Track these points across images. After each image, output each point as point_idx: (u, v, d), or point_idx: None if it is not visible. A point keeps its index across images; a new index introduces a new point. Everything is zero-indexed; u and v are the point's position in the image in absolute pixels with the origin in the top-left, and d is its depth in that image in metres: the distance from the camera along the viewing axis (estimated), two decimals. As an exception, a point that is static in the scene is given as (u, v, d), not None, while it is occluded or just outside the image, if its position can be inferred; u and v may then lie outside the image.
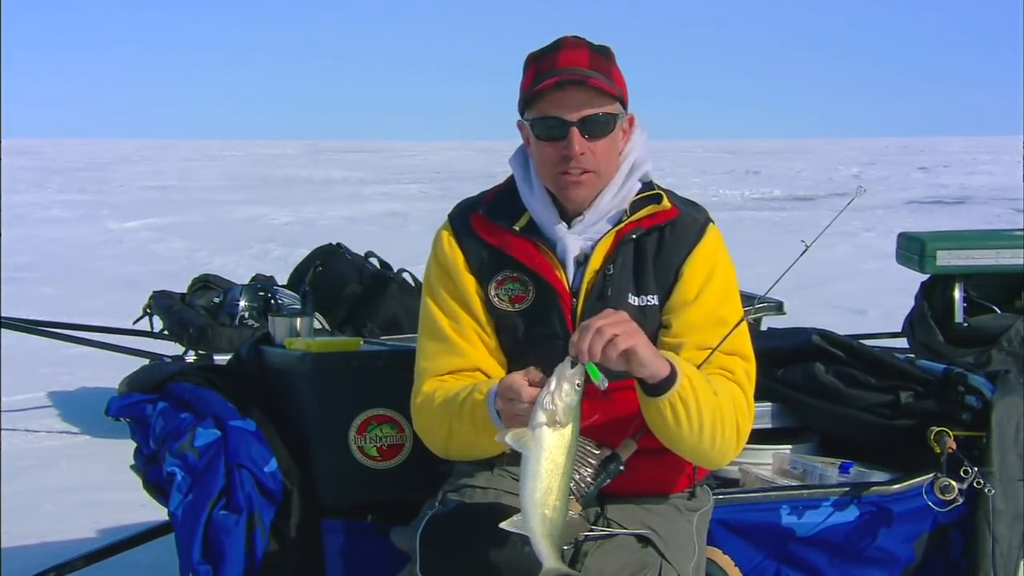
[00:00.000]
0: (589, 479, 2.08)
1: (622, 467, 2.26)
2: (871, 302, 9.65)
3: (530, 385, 2.05)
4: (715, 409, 2.20)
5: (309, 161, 40.43)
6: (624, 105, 2.36)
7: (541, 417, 1.98)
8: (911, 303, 5.16)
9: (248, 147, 55.50)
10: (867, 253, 12.77)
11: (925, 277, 5.12)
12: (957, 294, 4.93)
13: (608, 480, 2.25)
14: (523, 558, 2.07)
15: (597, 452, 2.08)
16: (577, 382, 1.99)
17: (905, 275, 5.33)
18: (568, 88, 2.28)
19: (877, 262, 11.42)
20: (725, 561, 2.64)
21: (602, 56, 2.34)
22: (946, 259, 4.94)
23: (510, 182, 2.45)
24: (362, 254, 6.52)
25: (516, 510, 2.16)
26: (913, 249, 5.05)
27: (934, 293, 5.02)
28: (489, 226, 2.40)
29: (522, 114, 2.38)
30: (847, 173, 31.64)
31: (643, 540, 2.29)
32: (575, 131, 2.28)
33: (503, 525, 2.00)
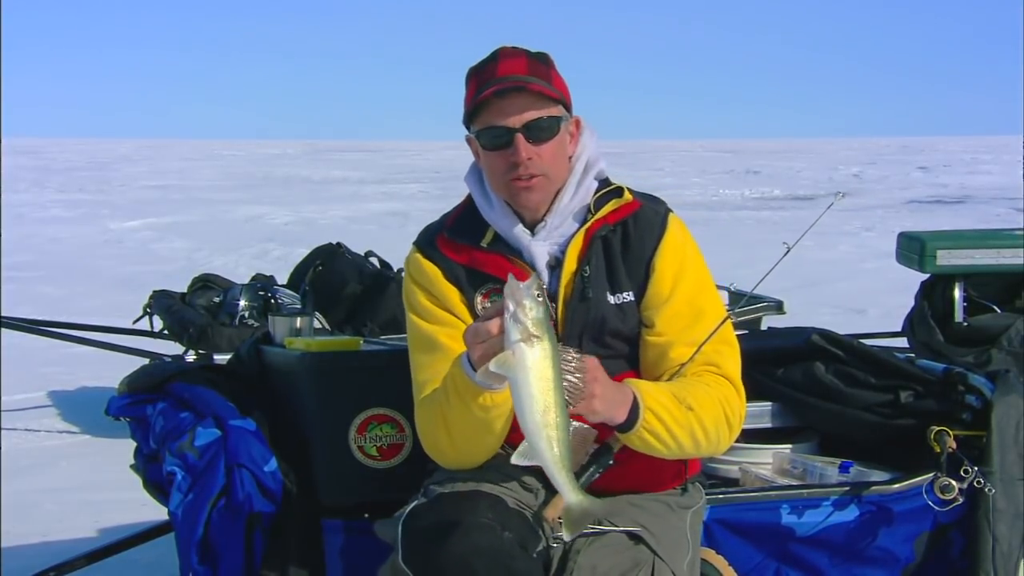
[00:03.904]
0: (582, 384, 2.02)
1: (611, 461, 2.26)
2: (871, 301, 9.65)
3: (491, 319, 2.00)
4: (690, 424, 2.22)
5: (309, 161, 40.44)
6: (568, 108, 2.38)
7: (516, 336, 1.93)
8: (911, 303, 5.15)
9: (248, 147, 55.51)
10: (867, 253, 12.76)
11: (925, 277, 5.11)
12: (957, 294, 4.93)
13: (599, 474, 2.25)
14: (504, 544, 2.07)
15: (577, 355, 2.03)
16: (535, 293, 1.94)
17: (905, 275, 5.33)
18: (508, 95, 2.30)
19: (877, 262, 11.42)
20: (719, 561, 2.64)
21: (540, 62, 2.36)
22: (946, 259, 4.93)
23: (468, 201, 2.46)
24: (362, 254, 6.52)
25: (497, 497, 2.16)
26: (913, 249, 5.05)
27: (934, 293, 5.02)
28: (456, 246, 2.41)
29: (468, 128, 2.39)
30: (847, 173, 31.65)
31: (635, 537, 2.30)
32: (520, 137, 2.30)
33: (513, 460, 1.99)
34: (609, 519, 2.31)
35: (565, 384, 1.98)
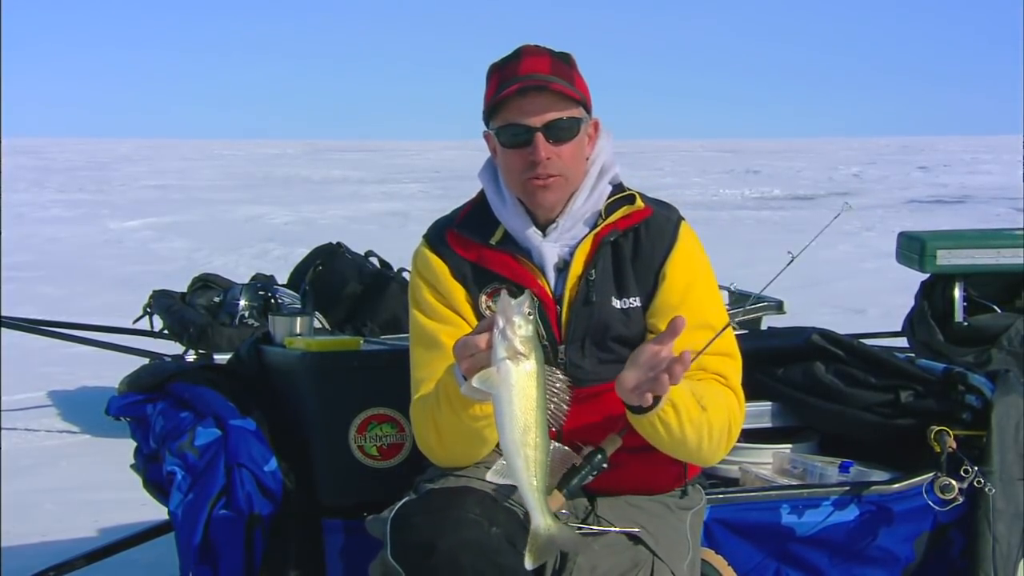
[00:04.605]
0: (565, 406, 2.01)
1: (606, 464, 2.26)
2: (871, 301, 9.65)
3: (481, 333, 2.00)
4: (701, 424, 2.22)
5: (309, 161, 40.41)
6: (588, 110, 2.38)
7: (502, 352, 1.92)
8: (911, 302, 5.16)
9: (248, 147, 55.49)
10: (867, 252, 12.76)
11: (925, 276, 5.12)
12: (957, 293, 4.93)
13: (592, 476, 2.25)
14: (491, 539, 2.07)
15: (564, 378, 2.02)
16: (526, 311, 1.93)
17: (905, 274, 5.33)
18: (530, 94, 2.30)
19: (877, 261, 11.42)
20: (718, 561, 2.64)
21: (563, 62, 2.36)
22: (946, 258, 4.93)
23: (481, 197, 2.46)
24: (362, 253, 6.52)
25: (485, 493, 2.14)
26: (913, 248, 5.05)
27: (934, 292, 5.02)
28: (465, 242, 2.40)
29: (487, 124, 2.39)
30: (847, 173, 31.64)
31: (634, 538, 2.30)
32: (540, 136, 2.30)
33: (488, 476, 1.99)
34: (608, 519, 2.32)
35: (551, 407, 1.97)
